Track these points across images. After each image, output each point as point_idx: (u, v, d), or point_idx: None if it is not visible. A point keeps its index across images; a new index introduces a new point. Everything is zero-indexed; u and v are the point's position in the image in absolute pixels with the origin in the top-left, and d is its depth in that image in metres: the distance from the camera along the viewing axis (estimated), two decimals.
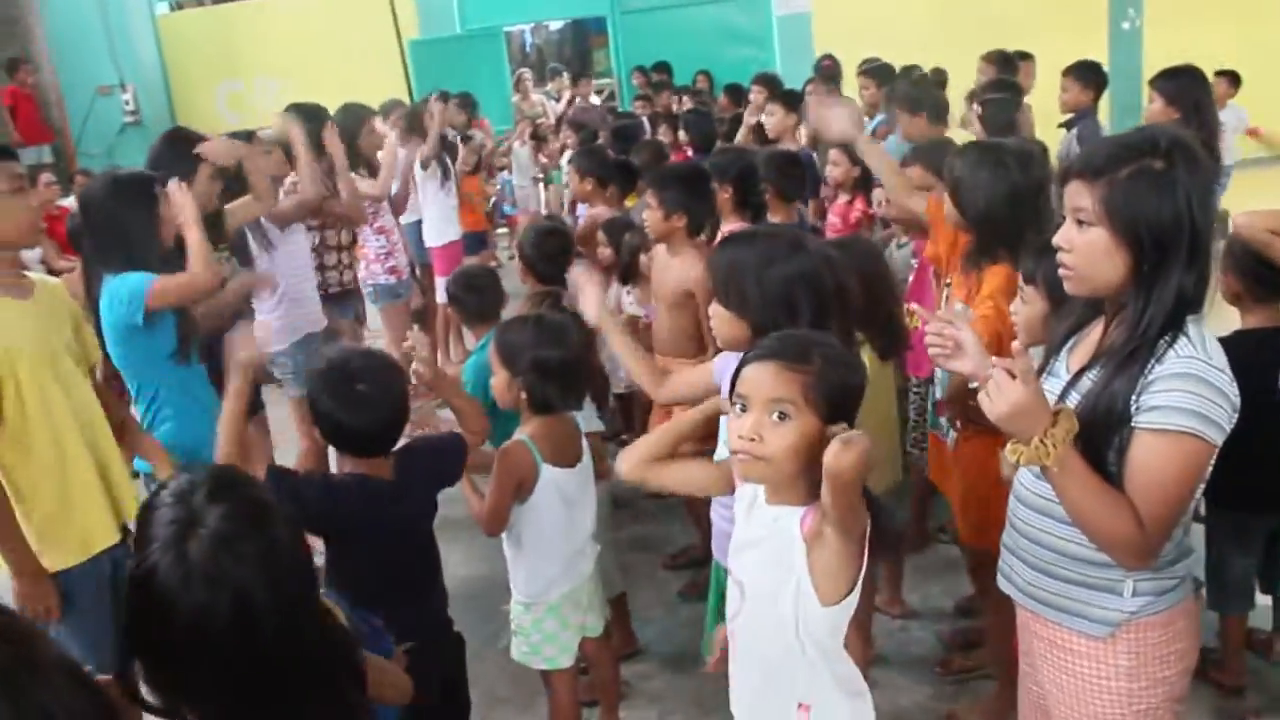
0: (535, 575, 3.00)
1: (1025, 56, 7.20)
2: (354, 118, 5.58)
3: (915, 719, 3.39)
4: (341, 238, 5.28)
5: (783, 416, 1.89)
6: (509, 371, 2.92)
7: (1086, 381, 1.98)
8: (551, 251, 4.09)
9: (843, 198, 5.25)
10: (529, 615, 3.02)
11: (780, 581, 1.94)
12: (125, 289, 3.16)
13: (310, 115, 4.92)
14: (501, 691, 3.58)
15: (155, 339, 3.27)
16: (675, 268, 3.95)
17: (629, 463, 2.34)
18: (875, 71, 7.09)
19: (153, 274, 3.18)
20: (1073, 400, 1.98)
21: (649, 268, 4.28)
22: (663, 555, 4.53)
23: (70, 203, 8.05)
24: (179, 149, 3.88)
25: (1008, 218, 2.96)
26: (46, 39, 11.51)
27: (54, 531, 2.82)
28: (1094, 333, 2.06)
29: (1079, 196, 1.94)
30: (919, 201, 3.63)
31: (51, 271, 6.96)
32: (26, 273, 2.92)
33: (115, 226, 3.23)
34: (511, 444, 2.91)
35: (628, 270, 4.63)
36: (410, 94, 10.67)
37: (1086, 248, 1.94)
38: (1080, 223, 1.95)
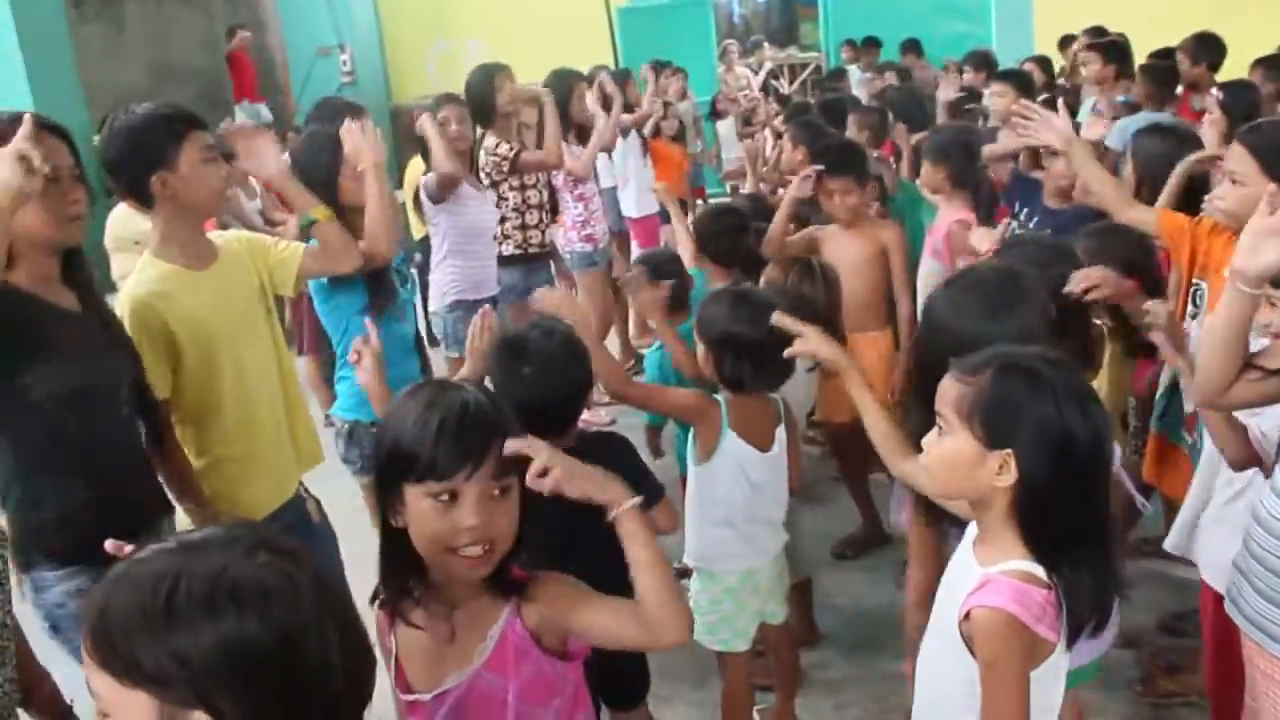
0: (708, 539, 2.94)
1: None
2: (564, 84, 5.61)
3: None
4: (543, 197, 5.30)
5: (942, 431, 1.77)
6: (704, 344, 2.88)
7: None
8: (723, 230, 4.01)
9: None
10: (706, 594, 2.97)
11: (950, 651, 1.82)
12: None
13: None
14: (676, 667, 3.54)
15: (348, 294, 3.34)
16: (856, 238, 4.13)
17: (885, 452, 2.26)
18: (1104, 47, 6.63)
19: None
20: None
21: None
22: (832, 542, 4.42)
23: (287, 159, 8.42)
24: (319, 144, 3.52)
25: None
26: (275, 1, 12.04)
27: (227, 497, 2.83)
28: None
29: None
30: (1143, 213, 3.33)
31: (269, 223, 7.31)
32: (213, 236, 2.92)
33: (305, 180, 3.25)
34: (706, 395, 2.87)
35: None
36: (616, 61, 10.71)
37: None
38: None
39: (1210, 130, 4.21)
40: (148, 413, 2.64)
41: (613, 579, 2.60)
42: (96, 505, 2.37)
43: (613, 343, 6.50)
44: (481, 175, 5.03)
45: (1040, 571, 1.70)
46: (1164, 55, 6.60)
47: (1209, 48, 6.38)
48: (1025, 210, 4.37)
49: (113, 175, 2.46)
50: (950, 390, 1.76)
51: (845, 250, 4.11)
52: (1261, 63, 5.94)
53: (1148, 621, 3.69)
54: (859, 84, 8.68)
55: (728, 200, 4.68)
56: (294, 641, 1.06)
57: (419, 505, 1.61)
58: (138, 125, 2.66)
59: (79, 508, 2.37)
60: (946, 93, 6.66)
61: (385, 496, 1.66)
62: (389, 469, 1.64)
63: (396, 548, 1.68)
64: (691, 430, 2.95)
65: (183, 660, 1.01)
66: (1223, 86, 5.32)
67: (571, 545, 1.85)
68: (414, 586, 1.69)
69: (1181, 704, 3.28)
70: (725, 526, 2.90)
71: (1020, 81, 6.04)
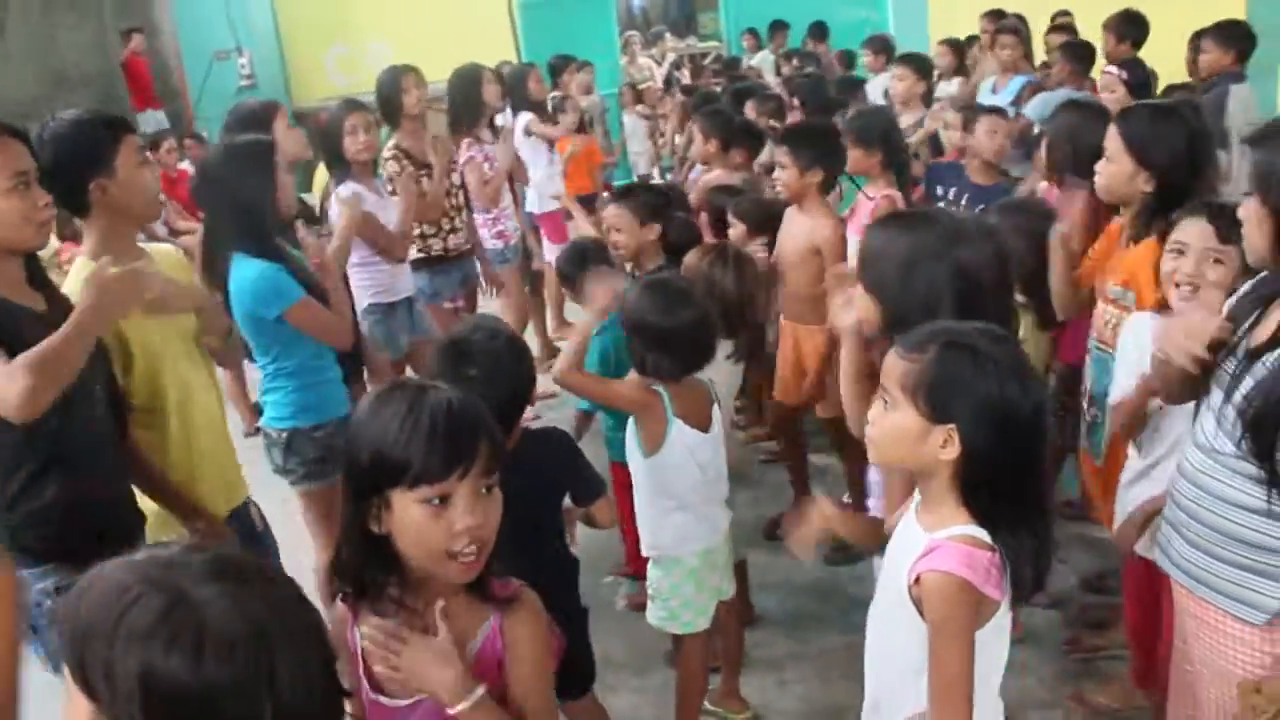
0: (666, 527, 2.96)
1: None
2: (470, 79, 5.60)
3: (1039, 697, 3.29)
4: (445, 204, 5.20)
5: (887, 405, 1.82)
6: (625, 330, 2.92)
7: (1263, 367, 1.87)
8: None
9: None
10: (668, 580, 3.00)
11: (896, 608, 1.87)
12: (271, 288, 3.14)
13: None
14: (618, 656, 3.57)
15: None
16: (803, 225, 4.01)
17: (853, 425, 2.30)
18: (1016, 28, 6.79)
19: (302, 292, 3.18)
20: (1247, 385, 1.87)
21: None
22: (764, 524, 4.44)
23: (188, 166, 8.23)
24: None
25: (1190, 173, 2.83)
26: (169, 5, 11.73)
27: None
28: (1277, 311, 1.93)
29: None
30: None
31: (173, 233, 7.15)
32: (144, 246, 2.90)
33: (231, 195, 3.18)
34: (647, 388, 2.88)
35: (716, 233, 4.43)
36: (519, 56, 10.66)
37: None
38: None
39: (1115, 107, 4.36)
40: (118, 412, 2.61)
41: (555, 572, 2.63)
42: (71, 503, 2.34)
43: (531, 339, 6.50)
44: (384, 180, 4.95)
45: (983, 535, 1.76)
46: (1065, 27, 6.77)
47: (1135, 25, 6.50)
48: (952, 190, 4.48)
49: (48, 184, 2.40)
50: (895, 366, 1.79)
51: (789, 235, 4.06)
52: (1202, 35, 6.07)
53: (1071, 581, 3.82)
54: (770, 69, 8.75)
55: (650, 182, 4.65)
56: (216, 696, 1.03)
57: (409, 512, 1.56)
58: (71, 132, 2.61)
59: (53, 505, 2.34)
60: None
61: (363, 503, 1.60)
62: (371, 477, 1.58)
63: (370, 550, 1.64)
64: (632, 422, 2.96)
65: (110, 678, 1.04)
66: (1123, 65, 5.54)
67: (515, 542, 1.84)
68: (392, 586, 1.66)
69: (1106, 657, 3.40)
70: (682, 512, 2.94)
71: (919, 65, 6.18)
